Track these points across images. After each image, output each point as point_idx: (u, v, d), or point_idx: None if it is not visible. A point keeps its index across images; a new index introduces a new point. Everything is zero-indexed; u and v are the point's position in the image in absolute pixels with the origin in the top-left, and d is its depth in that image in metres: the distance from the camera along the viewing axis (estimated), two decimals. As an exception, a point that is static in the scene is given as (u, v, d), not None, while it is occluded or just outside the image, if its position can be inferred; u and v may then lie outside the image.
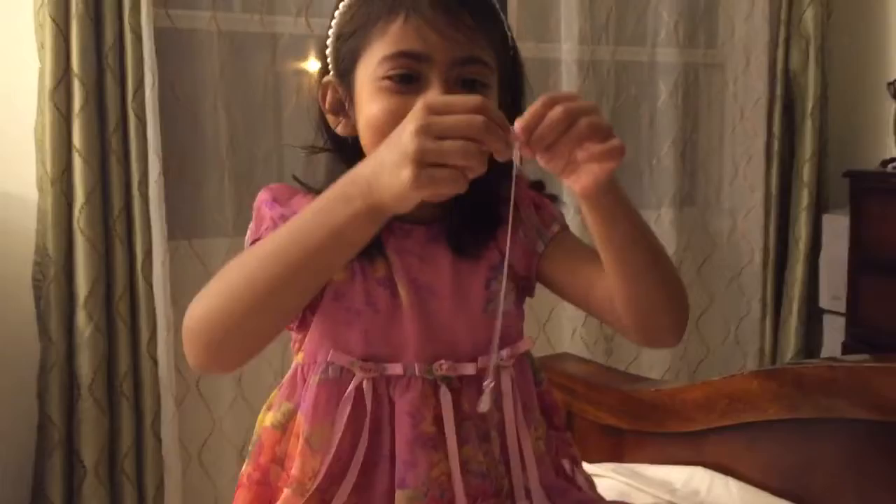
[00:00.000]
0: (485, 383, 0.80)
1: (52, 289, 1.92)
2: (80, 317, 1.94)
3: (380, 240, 0.93)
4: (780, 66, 2.86)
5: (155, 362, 2.02)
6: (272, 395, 1.00)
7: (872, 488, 1.20)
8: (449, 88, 0.87)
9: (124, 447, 2.00)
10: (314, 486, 0.91)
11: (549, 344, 2.55)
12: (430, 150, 0.70)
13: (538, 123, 0.74)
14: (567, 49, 2.58)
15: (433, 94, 0.75)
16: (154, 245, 2.00)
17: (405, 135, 0.71)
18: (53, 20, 1.87)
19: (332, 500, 0.91)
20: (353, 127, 0.94)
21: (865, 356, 1.52)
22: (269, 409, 0.99)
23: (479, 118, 0.71)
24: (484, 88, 0.89)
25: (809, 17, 2.82)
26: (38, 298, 1.93)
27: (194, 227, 2.19)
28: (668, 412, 1.44)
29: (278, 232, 0.81)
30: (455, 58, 0.87)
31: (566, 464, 1.06)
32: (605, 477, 1.38)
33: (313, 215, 0.78)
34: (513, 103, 0.97)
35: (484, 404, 0.82)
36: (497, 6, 0.94)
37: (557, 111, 0.74)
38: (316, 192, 0.94)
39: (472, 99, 0.73)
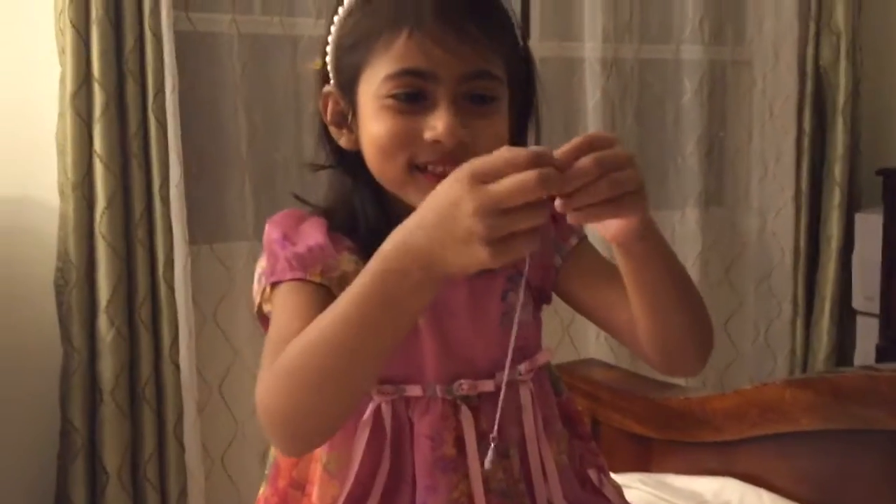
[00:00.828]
0: (491, 436, 0.74)
1: (73, 294, 1.92)
2: (102, 322, 1.93)
3: None
4: (809, 62, 2.81)
5: (177, 367, 2.01)
6: None
7: (912, 502, 1.16)
8: (457, 105, 0.83)
9: (147, 453, 2.00)
10: None
11: (573, 347, 2.51)
12: (498, 227, 0.65)
13: (565, 167, 0.67)
14: (590, 47, 2.55)
15: (476, 161, 0.66)
16: (175, 249, 1.99)
17: (463, 217, 0.65)
18: (73, 25, 1.86)
19: None
20: (357, 141, 0.89)
21: (900, 361, 1.47)
22: None
23: (532, 177, 0.64)
24: (493, 102, 0.86)
25: (840, 11, 2.77)
26: (59, 304, 1.93)
27: (216, 231, 2.18)
28: (698, 421, 1.40)
29: (334, 318, 0.74)
30: (462, 74, 0.83)
31: (593, 474, 1.02)
32: (632, 488, 1.35)
33: (370, 297, 0.72)
34: (524, 108, 0.93)
35: (488, 462, 0.77)
36: (507, 9, 0.89)
37: (587, 162, 0.67)
38: (321, 210, 0.92)
39: (520, 155, 0.66)
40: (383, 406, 0.89)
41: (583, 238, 0.97)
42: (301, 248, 0.87)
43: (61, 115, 1.90)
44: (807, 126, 2.81)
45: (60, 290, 1.93)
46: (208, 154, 2.15)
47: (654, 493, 1.34)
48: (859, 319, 2.80)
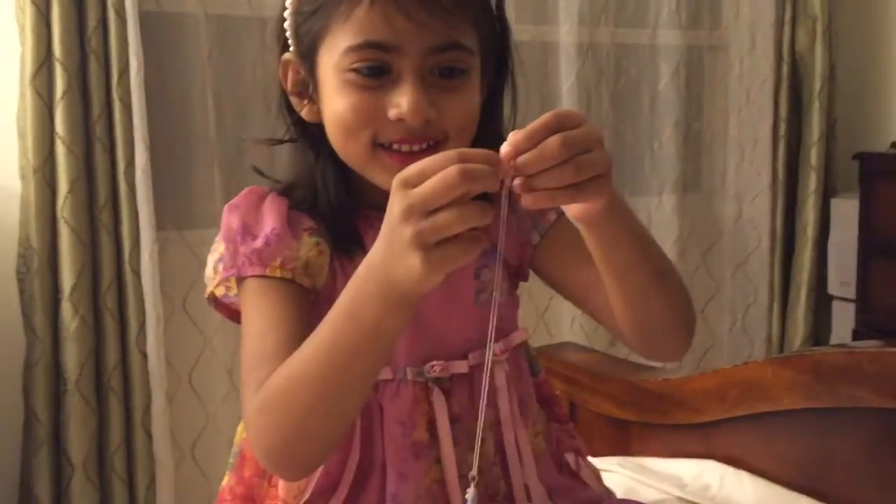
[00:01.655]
0: (470, 475, 0.69)
1: (36, 281, 1.86)
2: (66, 310, 1.88)
3: (359, 234, 0.86)
4: (786, 46, 2.80)
5: (144, 356, 1.97)
6: None
7: (895, 482, 1.14)
8: (423, 80, 0.78)
9: (113, 444, 1.95)
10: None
11: (548, 333, 2.49)
12: (425, 230, 0.62)
13: (529, 148, 0.64)
14: (565, 31, 2.52)
15: (409, 166, 0.64)
16: (142, 235, 1.94)
17: (395, 224, 0.63)
18: (34, 3, 1.80)
19: None
20: (319, 113, 0.85)
21: (879, 342, 1.45)
22: None
23: (453, 173, 0.61)
24: (463, 75, 0.81)
25: (816, -5, 2.75)
26: (21, 291, 1.88)
27: (185, 217, 2.13)
28: (677, 402, 1.38)
29: (314, 347, 0.72)
30: (429, 46, 0.78)
31: (570, 457, 1.00)
32: (611, 471, 1.32)
33: (345, 322, 0.70)
34: (498, 79, 0.88)
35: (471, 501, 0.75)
36: None
37: (553, 144, 0.63)
38: (284, 186, 0.89)
39: (442, 157, 0.63)
40: None
41: (561, 214, 0.93)
42: (259, 242, 0.83)
43: (21, 95, 1.84)
44: (783, 111, 2.81)
45: (22, 277, 1.87)
46: (175, 137, 2.10)
47: (633, 476, 1.32)
48: (835, 304, 2.80)
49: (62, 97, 1.84)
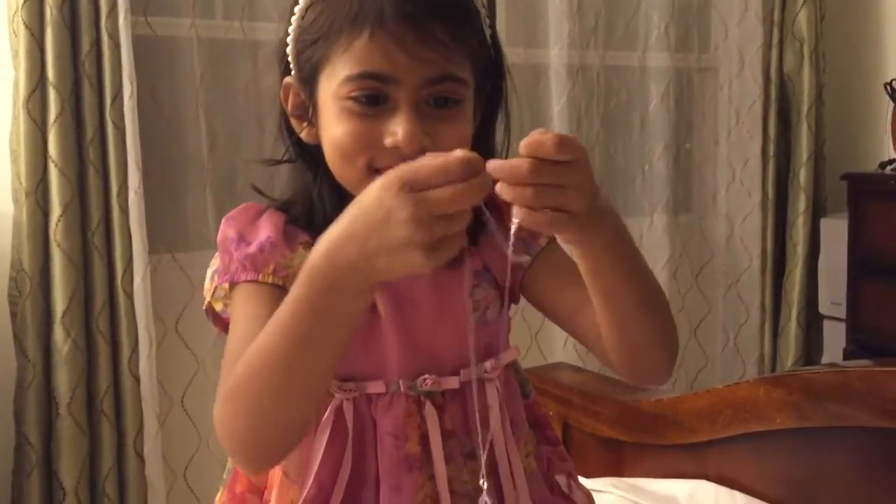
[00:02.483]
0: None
1: (28, 304, 1.86)
2: (58, 333, 1.87)
3: None
4: (774, 68, 2.83)
5: (137, 379, 1.96)
6: None
7: (887, 501, 1.14)
8: (418, 110, 0.80)
9: (105, 468, 1.94)
10: None
11: (541, 354, 2.49)
12: (435, 231, 0.65)
13: (512, 175, 0.67)
14: (556, 54, 2.54)
15: (405, 168, 0.66)
16: (135, 258, 1.94)
17: (398, 224, 0.65)
18: (27, 27, 1.81)
19: None
20: (318, 135, 0.87)
21: (870, 361, 1.46)
22: None
23: (468, 188, 0.65)
24: (457, 105, 0.83)
25: (803, 18, 2.79)
26: (13, 314, 1.87)
27: (177, 240, 2.14)
28: (670, 423, 1.38)
29: (270, 337, 0.73)
30: (425, 78, 0.80)
31: (562, 479, 1.00)
32: (604, 492, 1.33)
33: (303, 312, 0.71)
34: (491, 107, 0.91)
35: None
36: (475, 5, 0.86)
37: (523, 163, 0.66)
38: (282, 203, 0.90)
39: (450, 163, 0.65)
40: (345, 404, 0.86)
41: (552, 239, 0.94)
42: (253, 248, 0.85)
43: (15, 119, 1.84)
44: (772, 132, 2.83)
45: (14, 300, 1.87)
46: (168, 161, 2.10)
47: (626, 497, 1.32)
48: (826, 324, 2.80)
49: (55, 120, 1.84)
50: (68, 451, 1.88)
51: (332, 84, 0.81)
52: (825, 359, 2.81)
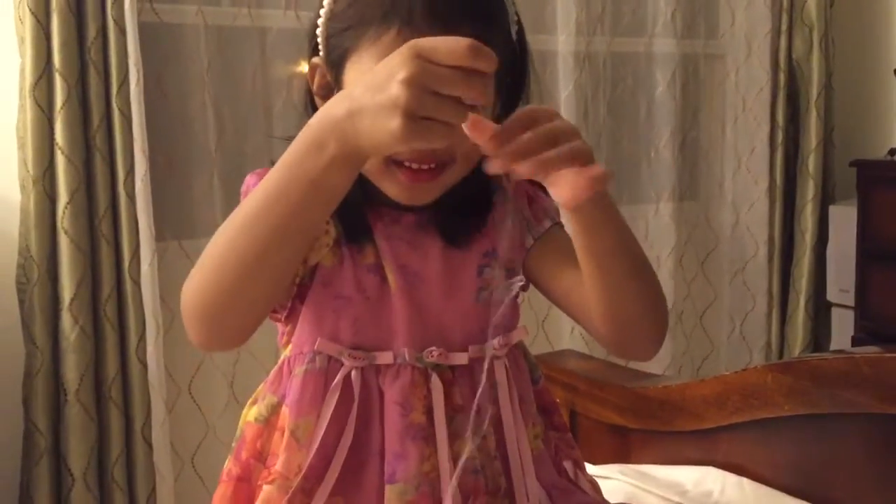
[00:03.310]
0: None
1: (36, 291, 1.86)
2: (66, 320, 1.87)
3: (368, 226, 0.90)
4: (782, 54, 2.81)
5: (144, 366, 1.96)
6: (258, 389, 0.96)
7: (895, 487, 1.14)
8: None
9: (114, 454, 1.94)
10: (298, 482, 0.86)
11: (547, 342, 2.49)
12: (425, 103, 0.65)
13: (510, 139, 0.69)
14: (563, 40, 2.53)
15: (423, 40, 0.67)
16: (142, 245, 1.94)
17: (393, 83, 0.65)
18: (33, 14, 1.81)
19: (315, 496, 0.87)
20: None
21: (878, 348, 1.45)
22: (253, 403, 0.95)
23: (471, 81, 0.66)
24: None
25: (812, 4, 2.78)
26: (21, 302, 1.88)
27: (183, 227, 2.13)
28: (677, 409, 1.38)
29: (254, 195, 0.75)
30: None
31: (568, 465, 1.00)
32: (611, 479, 1.33)
33: (287, 170, 0.73)
34: (512, 101, 0.92)
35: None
36: (504, 4, 0.88)
37: (537, 133, 0.70)
38: None
39: (461, 46, 0.66)
40: (353, 373, 0.88)
41: (557, 223, 0.97)
42: None
43: (21, 106, 1.84)
44: (780, 119, 2.82)
45: (22, 287, 1.87)
46: (175, 148, 2.10)
47: (634, 483, 1.32)
48: (834, 311, 2.80)
49: (62, 108, 1.84)
50: (76, 438, 1.89)
51: (358, 73, 0.83)
52: (833, 346, 2.81)
